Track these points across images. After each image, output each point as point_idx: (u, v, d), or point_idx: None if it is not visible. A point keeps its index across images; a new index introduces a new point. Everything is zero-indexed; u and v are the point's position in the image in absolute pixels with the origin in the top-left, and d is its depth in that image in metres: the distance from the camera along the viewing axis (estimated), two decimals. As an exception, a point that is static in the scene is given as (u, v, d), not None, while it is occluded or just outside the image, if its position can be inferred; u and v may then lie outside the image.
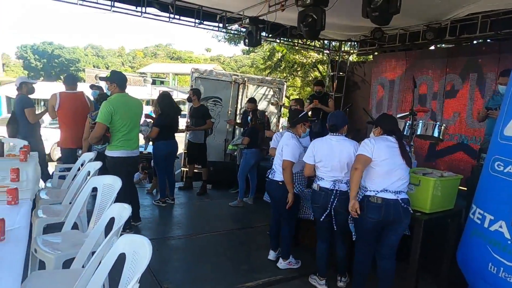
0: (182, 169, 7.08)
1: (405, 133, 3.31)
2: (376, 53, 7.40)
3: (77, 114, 4.44)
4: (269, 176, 3.33)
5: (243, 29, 6.25)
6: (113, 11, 5.43)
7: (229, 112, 7.27)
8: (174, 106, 4.92)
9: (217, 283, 2.99)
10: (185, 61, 53.79)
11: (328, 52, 8.21)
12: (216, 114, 7.08)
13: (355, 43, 7.54)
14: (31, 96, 4.60)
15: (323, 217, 2.83)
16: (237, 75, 7.71)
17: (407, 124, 3.36)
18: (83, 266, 2.07)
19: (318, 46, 8.37)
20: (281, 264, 3.30)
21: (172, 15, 5.85)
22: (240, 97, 7.36)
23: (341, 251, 2.97)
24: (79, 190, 3.10)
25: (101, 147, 4.04)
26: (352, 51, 7.97)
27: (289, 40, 7.44)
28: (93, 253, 2.12)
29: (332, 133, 2.87)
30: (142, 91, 27.41)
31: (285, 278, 3.16)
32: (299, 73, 14.51)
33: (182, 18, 6.07)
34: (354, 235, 2.76)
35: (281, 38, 7.32)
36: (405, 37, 6.08)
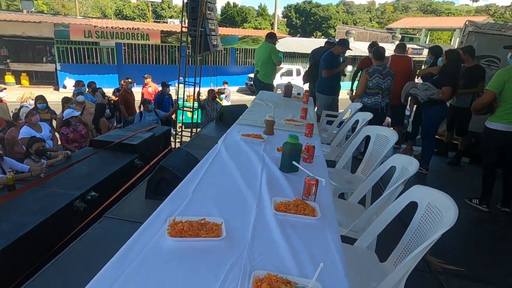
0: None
1: None
2: None
3: None
4: None
5: None
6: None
7: (508, 76, 5.86)
8: None
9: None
10: (441, 14, 47.07)
11: None
12: (488, 78, 5.88)
13: None
14: None
15: None
16: (531, 28, 5.96)
17: None
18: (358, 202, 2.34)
19: None
20: None
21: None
22: (532, 57, 5.72)
23: None
24: (348, 135, 3.46)
25: (371, 101, 4.24)
26: None
27: None
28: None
29: None
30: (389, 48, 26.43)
31: None
32: None
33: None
34: None
35: None
36: None
